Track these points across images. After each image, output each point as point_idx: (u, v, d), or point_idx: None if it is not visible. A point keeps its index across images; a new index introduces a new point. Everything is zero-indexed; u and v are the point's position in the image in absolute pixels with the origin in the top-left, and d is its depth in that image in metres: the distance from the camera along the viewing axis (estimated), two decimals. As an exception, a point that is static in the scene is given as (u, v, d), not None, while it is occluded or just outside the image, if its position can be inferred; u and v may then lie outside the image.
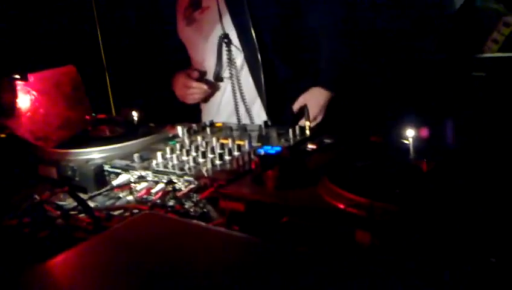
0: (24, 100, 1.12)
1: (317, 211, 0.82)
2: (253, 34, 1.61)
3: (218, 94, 1.78)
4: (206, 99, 1.82)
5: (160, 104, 1.97)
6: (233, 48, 1.67)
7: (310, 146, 1.17)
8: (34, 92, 1.13)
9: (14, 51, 1.63)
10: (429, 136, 1.05)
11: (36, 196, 1.02)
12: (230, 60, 1.68)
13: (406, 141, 0.98)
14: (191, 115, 1.87)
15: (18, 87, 1.11)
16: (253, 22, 1.61)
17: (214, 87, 1.76)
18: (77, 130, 1.28)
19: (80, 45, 2.09)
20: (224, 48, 1.67)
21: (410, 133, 0.98)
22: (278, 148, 1.10)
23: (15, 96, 1.11)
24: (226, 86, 1.75)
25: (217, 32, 1.67)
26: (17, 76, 1.10)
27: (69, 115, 1.24)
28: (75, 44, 2.03)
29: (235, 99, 1.72)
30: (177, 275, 0.61)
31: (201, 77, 1.77)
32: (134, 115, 1.60)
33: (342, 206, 0.80)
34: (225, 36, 1.65)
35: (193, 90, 1.75)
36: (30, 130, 1.17)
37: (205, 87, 1.73)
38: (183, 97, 1.79)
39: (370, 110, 1.93)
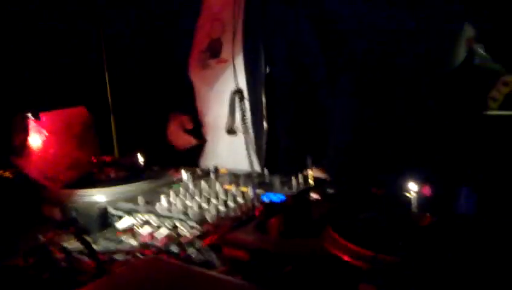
0: (35, 139, 1.15)
1: (320, 262, 0.82)
2: (264, 99, 1.65)
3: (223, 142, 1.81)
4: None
5: (165, 147, 2.00)
6: (246, 103, 1.71)
7: (314, 196, 1.19)
8: (45, 132, 1.15)
9: (26, 90, 1.67)
10: (431, 192, 1.06)
11: (41, 237, 1.02)
12: (244, 115, 1.71)
13: (408, 195, 1.00)
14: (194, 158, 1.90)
15: (30, 126, 1.14)
16: (267, 87, 1.65)
17: (203, 140, 1.85)
18: (86, 171, 1.29)
19: (87, 86, 2.14)
20: (237, 103, 1.71)
21: (412, 186, 0.99)
22: (282, 196, 1.11)
23: (27, 135, 1.14)
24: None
25: (230, 87, 1.70)
26: (29, 114, 1.14)
27: (79, 156, 1.26)
28: (84, 85, 2.09)
29: (248, 153, 1.72)
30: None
31: (195, 128, 1.82)
32: (140, 158, 1.63)
33: (346, 258, 0.80)
34: (239, 91, 1.69)
35: (182, 141, 1.83)
36: (40, 170, 1.19)
37: (193, 141, 1.82)
38: (173, 142, 1.86)
39: (373, 160, 1.96)
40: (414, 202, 0.97)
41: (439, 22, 2.01)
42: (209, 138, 1.87)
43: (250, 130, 1.72)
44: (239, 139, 1.74)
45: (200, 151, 1.89)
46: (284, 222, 0.94)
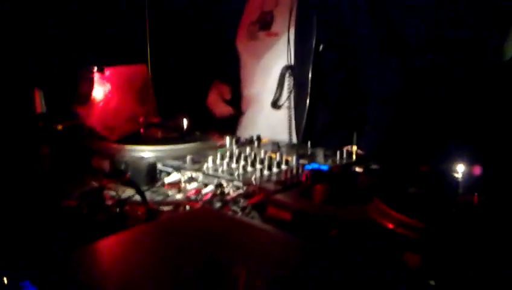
0: (99, 91, 1.20)
1: (366, 229, 0.83)
2: (310, 75, 1.65)
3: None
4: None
5: (204, 113, 2.03)
6: (294, 81, 1.71)
7: (358, 170, 1.19)
8: (108, 85, 1.20)
9: (92, 45, 1.75)
10: (481, 172, 1.05)
11: (94, 183, 1.07)
12: (290, 91, 1.71)
13: (456, 175, 0.99)
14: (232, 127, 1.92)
15: (94, 79, 1.19)
16: (314, 64, 1.64)
17: (239, 112, 1.89)
18: (143, 126, 1.34)
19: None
20: (287, 79, 1.71)
21: (460, 168, 0.98)
22: (326, 167, 1.12)
23: (91, 86, 1.19)
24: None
25: (281, 62, 1.71)
26: (95, 68, 1.19)
27: (137, 111, 1.31)
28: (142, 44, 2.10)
29: (290, 127, 1.73)
30: (229, 263, 0.63)
31: (234, 99, 1.84)
32: (184, 121, 1.67)
33: (392, 226, 0.81)
34: (289, 67, 1.69)
35: (220, 110, 1.88)
36: (100, 120, 1.24)
37: (230, 112, 1.86)
38: (211, 110, 1.92)
39: (421, 139, 1.93)
40: (462, 182, 0.96)
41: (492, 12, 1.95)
42: (249, 109, 1.88)
43: (293, 106, 1.72)
44: (279, 113, 1.75)
45: (239, 121, 1.92)
46: (330, 189, 0.95)
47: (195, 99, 2.14)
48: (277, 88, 1.73)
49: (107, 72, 1.22)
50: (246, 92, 1.88)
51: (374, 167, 1.23)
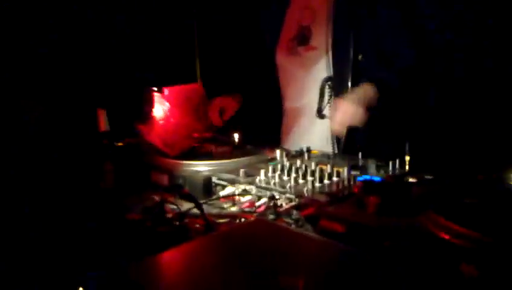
0: (158, 110, 1.28)
1: (420, 240, 0.83)
2: (349, 86, 1.65)
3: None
4: None
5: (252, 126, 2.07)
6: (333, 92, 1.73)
7: (412, 180, 1.18)
8: (167, 103, 1.28)
9: (151, 67, 1.86)
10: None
11: (155, 197, 1.14)
12: (330, 101, 1.73)
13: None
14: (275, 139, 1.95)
15: (155, 99, 1.27)
16: (353, 74, 1.65)
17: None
18: (201, 141, 1.41)
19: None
20: (327, 90, 1.73)
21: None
22: (378, 178, 1.12)
23: (152, 105, 1.27)
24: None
25: (320, 74, 1.73)
26: (155, 88, 1.27)
27: (196, 127, 1.38)
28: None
29: (332, 137, 1.74)
30: (286, 274, 0.66)
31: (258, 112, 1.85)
32: (236, 136, 1.73)
33: (447, 237, 0.80)
34: (329, 79, 1.72)
35: (215, 120, 1.82)
36: (160, 137, 1.32)
37: (221, 123, 1.81)
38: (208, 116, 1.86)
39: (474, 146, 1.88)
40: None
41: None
42: (292, 121, 1.91)
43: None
44: (321, 124, 1.77)
45: (282, 133, 1.94)
46: (383, 200, 0.96)
47: (244, 114, 2.20)
48: (319, 99, 1.75)
49: (166, 91, 1.30)
50: (287, 105, 1.91)
51: (428, 177, 1.22)
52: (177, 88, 1.34)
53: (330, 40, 1.71)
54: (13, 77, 1.52)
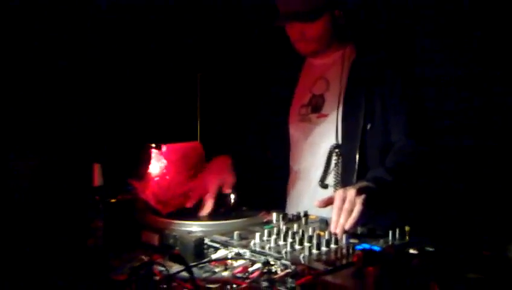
0: (155, 166, 1.26)
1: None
2: (357, 154, 1.65)
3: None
4: None
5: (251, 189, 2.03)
6: (341, 159, 1.71)
7: (412, 251, 1.13)
8: (164, 161, 1.26)
9: (151, 125, 1.86)
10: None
11: (144, 257, 1.08)
12: (338, 171, 1.72)
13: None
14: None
15: (152, 154, 1.26)
16: (361, 142, 1.65)
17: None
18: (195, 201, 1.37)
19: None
20: (334, 158, 1.72)
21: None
22: (377, 248, 1.08)
23: (148, 161, 1.25)
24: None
25: (329, 140, 1.73)
26: (153, 145, 1.26)
27: (190, 186, 1.35)
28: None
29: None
30: None
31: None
32: (232, 197, 1.69)
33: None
34: (337, 146, 1.71)
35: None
36: (154, 193, 1.29)
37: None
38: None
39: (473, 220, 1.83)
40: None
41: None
42: (297, 184, 1.88)
43: (339, 185, 1.71)
44: (325, 192, 1.74)
45: (285, 196, 1.90)
46: (383, 272, 0.91)
47: (243, 176, 2.17)
48: (324, 166, 1.73)
49: (164, 148, 1.29)
50: (295, 168, 1.89)
51: (429, 248, 1.17)
52: (175, 145, 1.33)
53: (341, 107, 1.73)
54: (4, 127, 1.50)
